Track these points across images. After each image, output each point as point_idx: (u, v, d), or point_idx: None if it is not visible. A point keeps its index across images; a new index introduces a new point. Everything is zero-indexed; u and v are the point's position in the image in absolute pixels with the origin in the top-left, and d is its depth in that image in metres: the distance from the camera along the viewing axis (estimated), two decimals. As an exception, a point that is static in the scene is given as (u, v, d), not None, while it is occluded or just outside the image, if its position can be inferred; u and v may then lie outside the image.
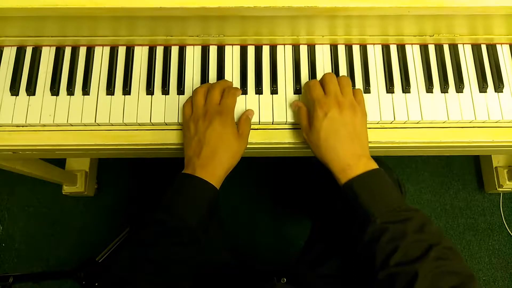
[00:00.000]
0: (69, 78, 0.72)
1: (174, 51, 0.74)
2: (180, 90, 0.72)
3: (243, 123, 0.68)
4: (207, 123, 0.64)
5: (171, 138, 0.70)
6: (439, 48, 0.75)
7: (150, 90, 0.72)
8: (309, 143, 0.66)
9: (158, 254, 0.58)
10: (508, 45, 0.75)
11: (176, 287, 0.59)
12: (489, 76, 0.73)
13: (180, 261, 0.59)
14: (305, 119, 0.67)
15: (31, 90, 0.71)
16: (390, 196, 0.61)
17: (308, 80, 0.73)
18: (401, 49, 0.75)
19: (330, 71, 0.73)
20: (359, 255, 0.61)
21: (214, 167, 0.63)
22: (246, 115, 0.69)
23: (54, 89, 0.71)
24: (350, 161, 0.61)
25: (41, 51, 0.74)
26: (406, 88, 0.72)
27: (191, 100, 0.69)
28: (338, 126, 0.62)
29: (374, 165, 0.62)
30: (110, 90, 0.72)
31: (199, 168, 0.63)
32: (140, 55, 0.74)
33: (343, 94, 0.65)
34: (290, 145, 0.71)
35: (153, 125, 0.71)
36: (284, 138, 0.71)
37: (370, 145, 0.70)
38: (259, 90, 0.72)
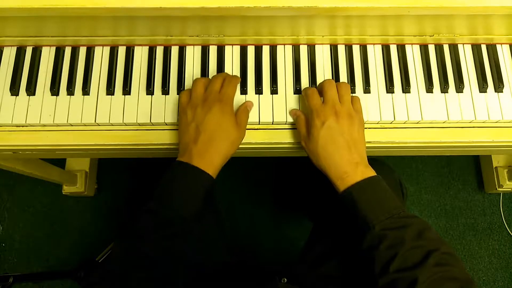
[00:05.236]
0: (69, 78, 0.72)
1: (174, 51, 0.74)
2: (180, 90, 0.72)
3: (241, 113, 0.68)
4: (206, 109, 0.64)
5: (171, 138, 0.70)
6: (439, 48, 0.75)
7: (150, 90, 0.72)
8: (307, 151, 0.66)
9: (151, 248, 0.57)
10: (508, 45, 0.75)
11: (169, 283, 0.58)
12: (489, 76, 0.73)
13: (173, 254, 0.59)
14: (303, 127, 0.67)
15: (31, 90, 0.71)
16: (388, 203, 0.61)
17: (308, 80, 0.73)
18: (401, 49, 0.75)
19: (330, 71, 0.74)
20: (360, 260, 0.61)
21: (211, 154, 0.62)
22: (245, 105, 0.69)
23: (54, 89, 0.71)
24: (347, 169, 0.62)
25: (41, 51, 0.74)
26: (406, 88, 0.72)
27: (189, 90, 0.69)
28: (336, 135, 0.63)
29: (371, 173, 0.63)
30: (110, 90, 0.72)
31: (196, 155, 0.62)
32: (140, 55, 0.74)
33: (341, 103, 0.65)
34: (290, 145, 0.71)
35: (153, 125, 0.71)
36: (284, 138, 0.71)
37: (370, 145, 0.70)
38: (259, 90, 0.72)
